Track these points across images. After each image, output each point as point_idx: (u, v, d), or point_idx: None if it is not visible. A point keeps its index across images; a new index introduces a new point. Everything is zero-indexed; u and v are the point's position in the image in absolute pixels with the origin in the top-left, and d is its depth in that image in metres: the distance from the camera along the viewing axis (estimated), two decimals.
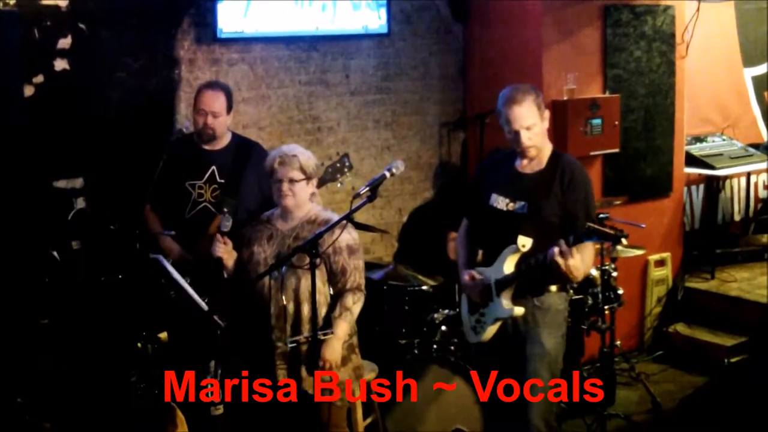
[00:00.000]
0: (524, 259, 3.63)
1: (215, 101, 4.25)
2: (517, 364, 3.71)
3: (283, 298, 3.63)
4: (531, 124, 3.65)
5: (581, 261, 3.49)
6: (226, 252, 3.74)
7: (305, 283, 3.61)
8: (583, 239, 3.44)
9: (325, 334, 3.53)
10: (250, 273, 3.71)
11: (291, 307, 3.64)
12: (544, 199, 3.64)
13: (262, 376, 3.62)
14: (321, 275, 3.66)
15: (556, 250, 3.43)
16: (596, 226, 3.39)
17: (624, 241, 3.38)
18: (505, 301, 3.66)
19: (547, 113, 3.73)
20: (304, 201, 3.73)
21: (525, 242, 3.60)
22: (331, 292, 3.73)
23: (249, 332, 3.70)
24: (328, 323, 3.64)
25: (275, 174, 3.66)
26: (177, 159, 4.30)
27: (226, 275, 3.76)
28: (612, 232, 3.36)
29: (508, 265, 3.65)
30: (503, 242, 3.66)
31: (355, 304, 3.69)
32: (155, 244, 4.26)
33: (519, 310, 3.64)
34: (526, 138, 3.66)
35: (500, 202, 3.74)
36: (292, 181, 3.64)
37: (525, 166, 3.75)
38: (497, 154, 4.01)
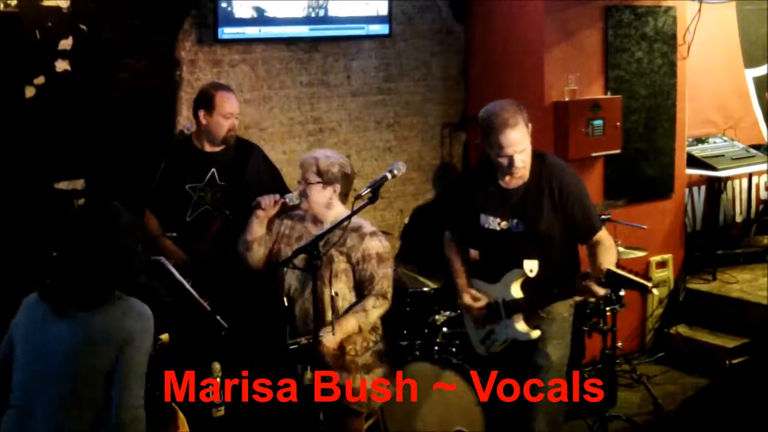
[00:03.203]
0: (532, 283, 3.62)
1: (236, 104, 4.30)
2: (521, 369, 3.71)
3: (307, 301, 3.62)
4: (524, 147, 3.52)
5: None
6: (271, 206, 3.74)
7: (329, 289, 3.63)
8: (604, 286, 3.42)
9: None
10: (275, 268, 3.72)
11: (312, 311, 3.62)
12: (538, 217, 3.59)
13: (272, 376, 3.63)
14: (347, 282, 3.66)
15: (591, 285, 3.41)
16: (619, 272, 3.30)
17: (656, 291, 3.35)
18: (520, 325, 3.66)
19: (530, 126, 3.59)
20: (318, 204, 3.73)
21: (532, 266, 3.59)
22: None
23: (263, 331, 3.70)
24: None
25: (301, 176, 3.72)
26: (177, 161, 4.28)
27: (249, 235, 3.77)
28: (639, 280, 3.28)
29: (515, 288, 3.64)
30: (504, 259, 3.67)
31: (374, 308, 3.65)
32: (156, 247, 4.25)
33: (535, 334, 3.64)
34: (519, 161, 3.52)
35: (492, 223, 3.68)
36: (308, 183, 3.68)
37: (509, 181, 3.65)
38: (476, 171, 3.82)
